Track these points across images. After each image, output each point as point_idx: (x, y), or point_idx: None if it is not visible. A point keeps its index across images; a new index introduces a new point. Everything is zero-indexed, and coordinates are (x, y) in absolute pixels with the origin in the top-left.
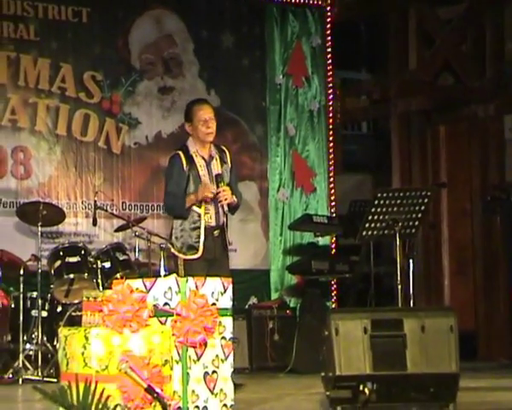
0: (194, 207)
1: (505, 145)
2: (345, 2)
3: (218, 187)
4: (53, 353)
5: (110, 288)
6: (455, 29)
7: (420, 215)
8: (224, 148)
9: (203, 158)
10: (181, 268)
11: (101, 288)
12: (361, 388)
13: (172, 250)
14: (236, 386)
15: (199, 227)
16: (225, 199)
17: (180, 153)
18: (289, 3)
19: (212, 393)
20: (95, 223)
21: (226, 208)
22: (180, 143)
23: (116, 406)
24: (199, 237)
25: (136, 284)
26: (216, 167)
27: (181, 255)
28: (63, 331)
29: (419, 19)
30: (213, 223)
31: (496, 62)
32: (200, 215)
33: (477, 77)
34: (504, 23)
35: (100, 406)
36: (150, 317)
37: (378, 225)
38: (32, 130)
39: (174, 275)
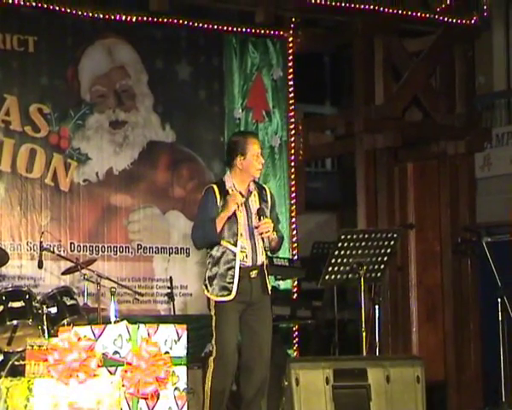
0: (229, 246)
1: (476, 184)
2: (308, 32)
3: (259, 221)
4: None
5: (56, 335)
6: (423, 62)
7: (386, 258)
8: (265, 186)
9: (240, 193)
10: (213, 311)
11: (46, 335)
12: None
13: (205, 293)
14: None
15: (233, 267)
16: (267, 231)
17: (214, 186)
18: (249, 33)
19: None
20: (40, 265)
21: (267, 244)
22: (131, 180)
23: None
24: (233, 277)
25: (84, 331)
26: (254, 204)
27: (213, 297)
28: (4, 382)
29: (386, 51)
30: (249, 262)
31: (466, 97)
32: (235, 254)
33: (447, 112)
34: (475, 56)
35: None
36: (99, 366)
37: (342, 268)
38: None
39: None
